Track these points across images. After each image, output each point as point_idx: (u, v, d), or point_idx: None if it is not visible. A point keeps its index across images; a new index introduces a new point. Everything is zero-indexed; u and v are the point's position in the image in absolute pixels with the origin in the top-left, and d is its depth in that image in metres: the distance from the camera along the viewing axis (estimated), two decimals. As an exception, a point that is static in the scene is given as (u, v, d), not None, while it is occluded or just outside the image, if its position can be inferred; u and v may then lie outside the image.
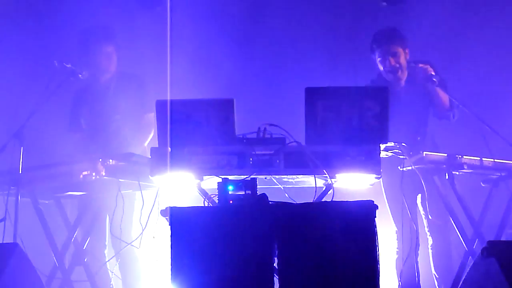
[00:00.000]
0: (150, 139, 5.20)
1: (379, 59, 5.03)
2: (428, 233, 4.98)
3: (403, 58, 5.00)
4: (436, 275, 4.99)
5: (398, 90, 5.00)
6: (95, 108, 5.30)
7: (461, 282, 4.04)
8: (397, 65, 4.99)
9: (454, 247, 5.00)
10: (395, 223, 5.02)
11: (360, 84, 5.09)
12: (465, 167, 4.68)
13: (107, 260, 5.01)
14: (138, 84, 5.25)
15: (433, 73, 4.86)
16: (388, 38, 5.01)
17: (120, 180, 4.54)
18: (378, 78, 5.11)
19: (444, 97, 4.98)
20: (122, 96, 5.21)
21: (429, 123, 5.16)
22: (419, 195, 5.04)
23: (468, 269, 3.86)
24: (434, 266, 4.98)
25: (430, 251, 5.01)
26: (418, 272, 4.65)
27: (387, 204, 5.05)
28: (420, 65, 4.90)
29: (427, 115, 5.13)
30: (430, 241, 5.01)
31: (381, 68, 5.05)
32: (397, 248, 5.00)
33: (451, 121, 5.11)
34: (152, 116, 5.10)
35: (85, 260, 4.91)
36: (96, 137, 5.25)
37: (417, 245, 4.75)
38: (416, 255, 4.76)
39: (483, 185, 5.05)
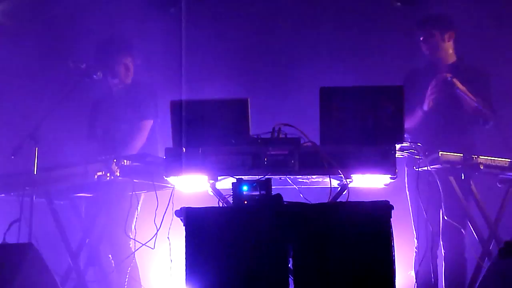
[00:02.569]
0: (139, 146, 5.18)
1: (421, 40, 5.16)
2: (441, 243, 4.92)
3: (439, 39, 5.10)
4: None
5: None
6: (107, 117, 5.33)
7: (477, 283, 4.01)
8: (433, 45, 5.10)
9: (468, 254, 4.93)
10: (413, 222, 4.98)
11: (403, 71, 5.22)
12: (481, 167, 4.65)
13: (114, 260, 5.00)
14: (147, 90, 5.27)
15: (452, 79, 4.86)
16: (424, 21, 5.17)
17: (134, 180, 4.55)
18: (428, 65, 5.18)
19: (468, 103, 4.93)
20: (131, 104, 5.23)
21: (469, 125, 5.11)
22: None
23: (485, 270, 3.83)
24: (444, 279, 4.91)
25: (442, 262, 4.94)
26: (435, 273, 4.62)
27: (409, 204, 5.02)
28: (448, 75, 4.91)
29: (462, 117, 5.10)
30: (442, 251, 4.95)
31: (424, 51, 5.17)
32: (415, 248, 4.98)
33: (483, 127, 5.08)
34: (147, 124, 5.14)
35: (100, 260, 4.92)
36: (106, 146, 5.26)
37: (434, 246, 4.73)
38: (434, 255, 4.74)
39: (499, 185, 5.01)
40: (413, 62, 5.34)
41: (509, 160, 4.76)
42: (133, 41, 5.44)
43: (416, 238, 4.97)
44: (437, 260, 4.84)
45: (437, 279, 4.66)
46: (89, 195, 5.01)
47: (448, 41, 5.13)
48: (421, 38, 5.15)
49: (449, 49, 5.16)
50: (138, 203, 4.93)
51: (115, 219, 4.89)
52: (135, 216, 4.93)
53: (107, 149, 5.16)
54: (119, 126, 5.24)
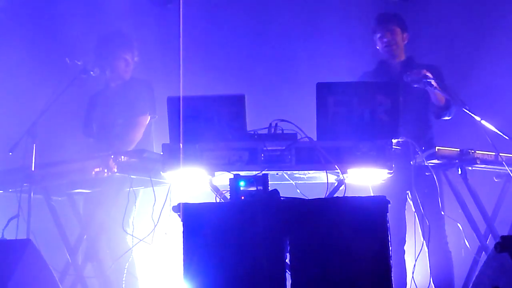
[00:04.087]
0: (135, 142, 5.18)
1: (378, 35, 5.13)
2: (423, 240, 4.91)
3: (400, 38, 5.11)
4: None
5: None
6: (103, 113, 5.33)
7: (474, 277, 4.02)
8: (393, 41, 5.08)
9: (457, 249, 4.93)
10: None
11: (359, 74, 5.14)
12: (478, 162, 4.66)
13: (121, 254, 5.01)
14: (142, 87, 5.26)
15: (428, 74, 4.80)
16: (387, 17, 5.16)
17: (132, 176, 4.56)
18: (378, 66, 5.15)
19: (440, 97, 4.91)
20: (128, 100, 5.23)
21: (431, 120, 5.11)
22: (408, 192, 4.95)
23: (481, 264, 3.84)
24: (432, 276, 4.90)
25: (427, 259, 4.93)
26: (405, 271, 4.65)
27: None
28: (425, 71, 4.84)
29: (426, 112, 5.09)
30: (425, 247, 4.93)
31: (379, 46, 5.14)
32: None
33: (447, 119, 5.07)
34: (143, 119, 5.14)
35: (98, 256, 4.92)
36: (101, 141, 5.26)
37: (403, 241, 4.74)
38: (402, 251, 4.74)
39: (496, 180, 5.03)
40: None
41: (507, 154, 4.77)
42: (132, 37, 5.42)
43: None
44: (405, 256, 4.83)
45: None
46: (87, 191, 5.01)
47: (404, 41, 5.15)
48: (381, 34, 5.10)
49: (403, 49, 5.16)
50: (136, 199, 4.93)
51: (112, 215, 4.89)
52: (133, 212, 4.93)
53: (103, 145, 5.17)
54: (115, 121, 5.24)
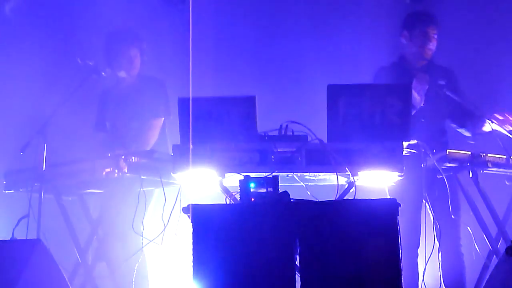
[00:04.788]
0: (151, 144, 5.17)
1: (416, 37, 4.95)
2: (437, 242, 4.88)
3: (436, 38, 4.96)
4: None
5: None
6: (116, 112, 5.33)
7: (484, 281, 4.00)
8: (432, 49, 4.94)
9: (468, 253, 4.91)
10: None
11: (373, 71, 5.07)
12: (489, 165, 4.64)
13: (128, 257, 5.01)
14: (155, 88, 5.24)
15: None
16: (431, 19, 4.99)
17: (142, 177, 4.56)
18: (398, 61, 5.06)
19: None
20: (141, 101, 5.22)
21: (446, 125, 5.08)
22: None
23: (492, 268, 3.83)
24: (443, 279, 4.88)
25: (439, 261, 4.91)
26: (417, 274, 4.63)
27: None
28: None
29: (444, 118, 5.06)
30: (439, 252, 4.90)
31: (412, 47, 4.98)
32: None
33: (468, 132, 4.99)
34: (158, 122, 5.13)
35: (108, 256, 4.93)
36: (116, 142, 5.26)
37: (417, 244, 4.71)
38: (416, 255, 4.72)
39: (507, 183, 5.00)
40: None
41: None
42: (141, 34, 5.37)
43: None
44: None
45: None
46: (97, 191, 5.02)
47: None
48: (416, 33, 4.95)
49: None
50: (147, 200, 4.91)
51: (123, 216, 4.89)
52: (144, 213, 4.93)
53: (118, 146, 5.16)
54: (130, 123, 5.22)
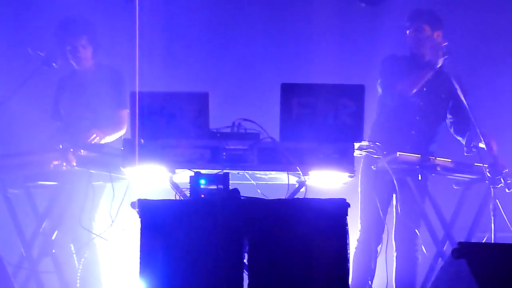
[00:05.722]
0: (120, 136, 5.09)
1: (407, 31, 5.07)
2: (394, 243, 4.96)
3: (428, 36, 5.00)
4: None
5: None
6: (71, 101, 5.23)
7: (430, 283, 4.05)
8: (422, 39, 5.00)
9: (422, 255, 4.98)
10: (361, 221, 4.98)
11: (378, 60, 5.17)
12: (438, 169, 4.71)
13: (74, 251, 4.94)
14: (116, 79, 5.15)
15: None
16: (419, 14, 5.07)
17: (91, 171, 4.49)
18: (410, 57, 5.12)
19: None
20: (97, 92, 5.13)
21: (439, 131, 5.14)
22: (394, 195, 5.02)
23: (438, 270, 3.87)
24: (395, 279, 4.95)
25: (394, 262, 4.98)
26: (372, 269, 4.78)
27: (359, 201, 5.02)
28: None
29: (439, 124, 5.13)
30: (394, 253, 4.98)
31: (411, 41, 5.09)
32: (357, 241, 4.97)
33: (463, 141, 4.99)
34: (126, 113, 5.06)
35: (53, 251, 4.84)
36: (68, 131, 5.17)
37: (381, 242, 4.83)
38: (376, 250, 4.82)
39: (455, 187, 5.08)
40: (375, 61, 5.33)
41: (465, 162, 4.83)
42: (93, 22, 5.24)
43: (360, 230, 4.98)
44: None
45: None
46: (45, 183, 4.92)
47: (436, 39, 5.03)
48: (410, 31, 5.06)
49: (435, 48, 5.03)
50: (98, 195, 4.82)
51: (72, 210, 4.82)
52: (95, 208, 4.85)
53: (71, 137, 5.07)
54: (84, 114, 5.14)
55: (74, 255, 4.88)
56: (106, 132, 4.97)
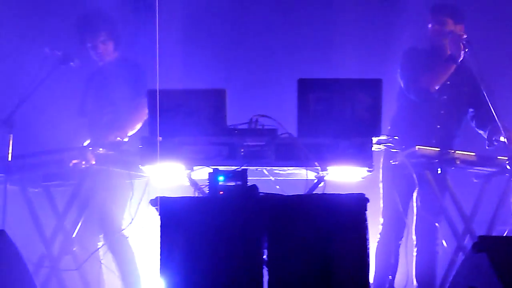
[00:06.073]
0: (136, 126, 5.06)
1: (429, 25, 5.05)
2: (414, 238, 4.94)
3: (450, 28, 4.94)
4: (415, 284, 4.95)
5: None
6: (95, 96, 5.24)
7: (451, 277, 4.03)
8: (442, 32, 4.96)
9: (442, 251, 4.97)
10: (382, 216, 4.98)
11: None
12: (458, 162, 4.67)
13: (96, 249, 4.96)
14: (136, 73, 5.14)
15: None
16: (441, 7, 5.05)
17: (110, 169, 4.51)
18: (432, 49, 5.09)
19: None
20: (117, 86, 5.12)
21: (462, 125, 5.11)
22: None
23: (458, 264, 3.85)
24: (416, 274, 4.94)
25: (414, 256, 4.97)
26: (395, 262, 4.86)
27: (381, 196, 5.01)
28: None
29: (462, 118, 5.10)
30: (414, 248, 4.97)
31: (432, 34, 5.06)
32: (379, 234, 4.97)
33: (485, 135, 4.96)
34: (145, 101, 5.01)
35: (74, 249, 4.87)
36: (91, 127, 5.19)
37: (402, 237, 4.87)
38: (397, 245, 4.85)
39: (475, 180, 5.04)
40: (394, 54, 5.30)
41: (485, 155, 4.79)
42: (112, 17, 5.22)
43: (381, 225, 4.98)
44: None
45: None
46: (64, 182, 4.95)
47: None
48: (432, 23, 5.03)
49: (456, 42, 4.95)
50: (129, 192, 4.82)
51: (93, 207, 4.83)
52: (126, 205, 4.84)
53: (92, 134, 5.09)
54: (107, 108, 5.11)
55: (100, 252, 4.89)
56: (127, 127, 4.94)
